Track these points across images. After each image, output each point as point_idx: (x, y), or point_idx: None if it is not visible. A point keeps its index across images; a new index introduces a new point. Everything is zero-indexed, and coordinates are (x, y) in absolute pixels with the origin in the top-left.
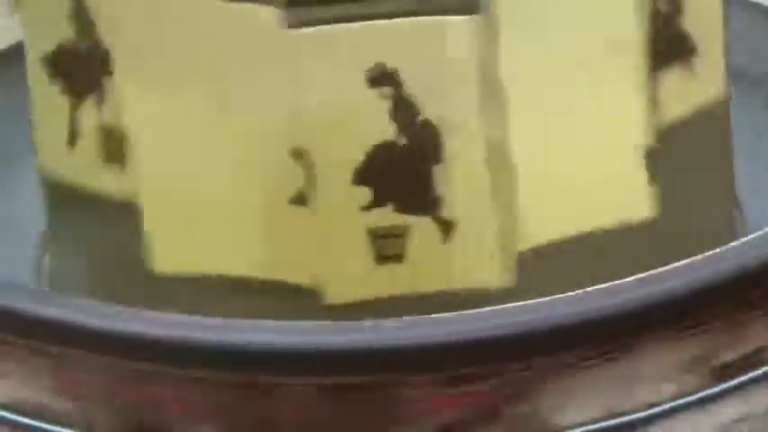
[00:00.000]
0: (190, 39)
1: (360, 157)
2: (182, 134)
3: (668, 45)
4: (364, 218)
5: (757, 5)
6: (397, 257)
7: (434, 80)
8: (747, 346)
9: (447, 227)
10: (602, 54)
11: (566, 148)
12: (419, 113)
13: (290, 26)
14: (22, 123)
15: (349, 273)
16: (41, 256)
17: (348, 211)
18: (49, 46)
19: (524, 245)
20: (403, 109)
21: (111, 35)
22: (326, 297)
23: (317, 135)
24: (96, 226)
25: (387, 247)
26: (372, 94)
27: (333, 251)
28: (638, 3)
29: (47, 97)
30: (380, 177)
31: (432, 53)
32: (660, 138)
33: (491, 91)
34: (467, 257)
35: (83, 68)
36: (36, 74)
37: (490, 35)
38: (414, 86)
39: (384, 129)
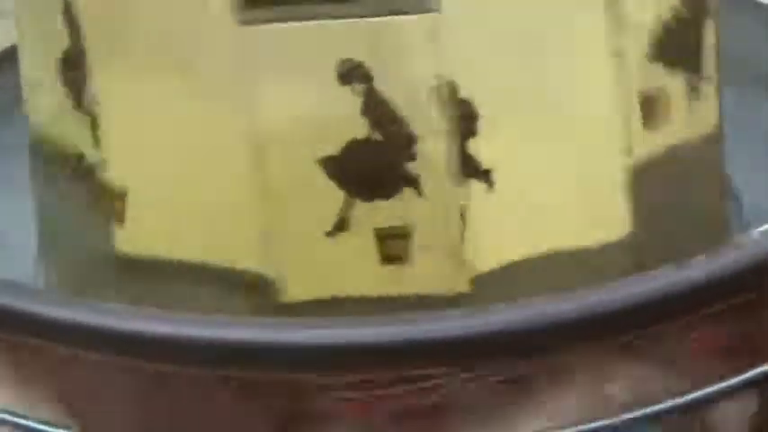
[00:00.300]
0: (156, 27)
1: (329, 152)
2: (147, 119)
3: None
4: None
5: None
6: (399, 258)
7: (397, 83)
8: None
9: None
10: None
11: (542, 165)
12: (391, 110)
13: (243, 23)
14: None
15: (310, 270)
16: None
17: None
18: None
19: (495, 260)
20: (374, 105)
21: (87, 25)
22: (285, 294)
23: (281, 135)
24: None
25: (391, 247)
26: (338, 92)
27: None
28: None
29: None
30: (352, 172)
31: (390, 55)
32: (645, 161)
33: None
34: (429, 261)
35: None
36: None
37: (451, 38)
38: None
39: (355, 126)
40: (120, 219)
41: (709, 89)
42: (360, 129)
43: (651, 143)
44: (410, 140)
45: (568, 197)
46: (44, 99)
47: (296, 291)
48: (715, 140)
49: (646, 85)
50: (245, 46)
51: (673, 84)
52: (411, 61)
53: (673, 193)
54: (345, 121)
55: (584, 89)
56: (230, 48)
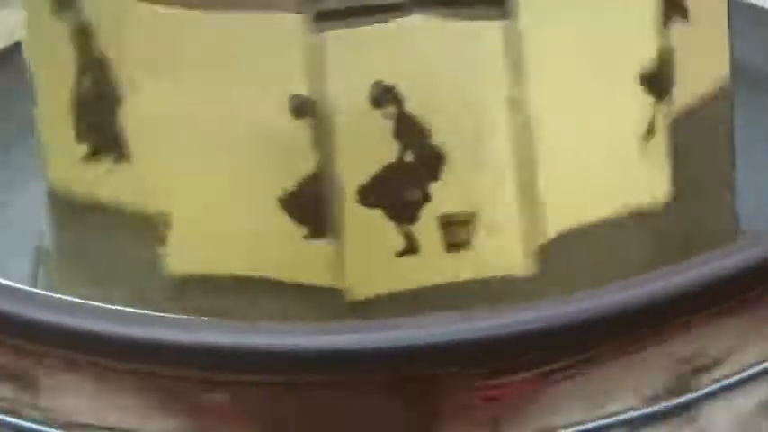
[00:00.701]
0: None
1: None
2: (191, 136)
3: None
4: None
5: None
6: (459, 246)
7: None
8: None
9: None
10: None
11: (583, 137)
12: (424, 132)
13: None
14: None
15: (370, 267)
16: (36, 271)
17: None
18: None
19: (547, 233)
20: (406, 128)
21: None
22: (349, 294)
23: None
24: (107, 237)
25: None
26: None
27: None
28: None
29: (54, 108)
30: (386, 197)
31: (460, 57)
32: (672, 124)
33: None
34: (491, 247)
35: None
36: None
37: (516, 40)
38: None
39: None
40: (168, 241)
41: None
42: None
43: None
44: (439, 161)
45: (616, 162)
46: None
47: (362, 289)
48: (728, 96)
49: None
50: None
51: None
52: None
53: (699, 152)
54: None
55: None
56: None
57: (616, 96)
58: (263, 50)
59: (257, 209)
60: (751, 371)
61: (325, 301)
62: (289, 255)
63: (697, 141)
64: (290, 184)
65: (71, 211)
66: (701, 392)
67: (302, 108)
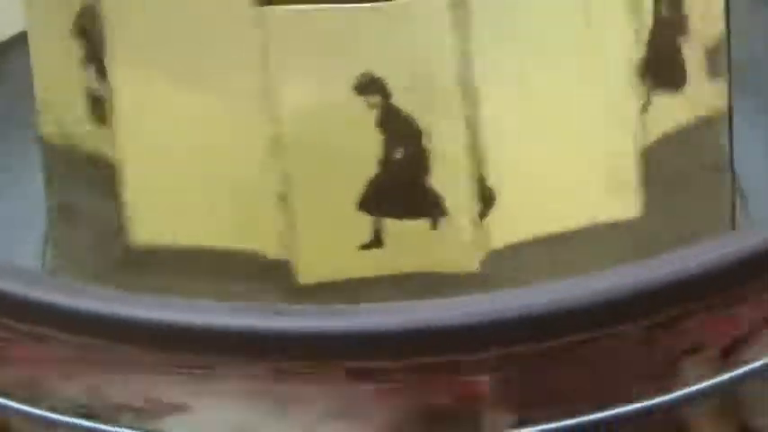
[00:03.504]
0: (170, 17)
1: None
2: (163, 109)
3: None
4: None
5: None
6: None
7: (409, 69)
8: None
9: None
10: (588, 52)
11: (548, 146)
12: (410, 123)
13: (260, 3)
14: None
15: (326, 253)
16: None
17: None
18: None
19: (506, 239)
20: (392, 118)
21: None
22: (300, 276)
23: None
24: (91, 192)
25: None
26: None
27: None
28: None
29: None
30: (379, 202)
31: (406, 40)
32: (653, 144)
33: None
34: (447, 243)
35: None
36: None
37: (462, 25)
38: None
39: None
40: (137, 207)
41: (719, 69)
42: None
43: (662, 121)
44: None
45: (579, 177)
46: (58, 97)
47: (311, 274)
48: (723, 123)
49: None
50: (266, 32)
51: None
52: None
53: (681, 173)
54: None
55: (595, 74)
56: (249, 35)
57: (582, 116)
58: (213, 39)
59: (214, 181)
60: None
61: (271, 284)
62: (242, 225)
63: (683, 164)
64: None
65: (57, 163)
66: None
67: (367, 87)
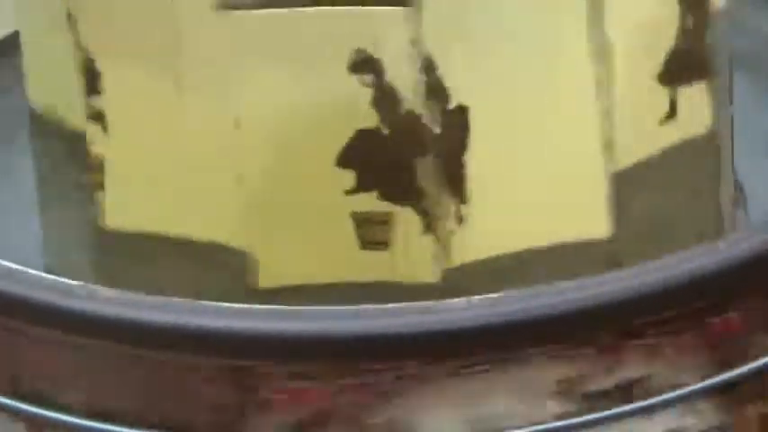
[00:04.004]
0: (139, 15)
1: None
2: (134, 99)
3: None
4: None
5: None
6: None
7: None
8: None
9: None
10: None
11: (518, 163)
12: (401, 102)
13: (222, 7)
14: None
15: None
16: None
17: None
18: None
19: (471, 255)
20: (385, 98)
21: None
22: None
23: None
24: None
25: (371, 233)
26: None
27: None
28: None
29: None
30: (364, 163)
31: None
32: (630, 165)
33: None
34: (405, 251)
35: None
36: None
37: (433, 37)
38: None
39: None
40: (104, 193)
41: (701, 91)
42: (354, 117)
43: (635, 146)
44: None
45: (547, 197)
46: (46, 72)
47: (271, 276)
48: (709, 143)
49: (628, 88)
50: (226, 32)
51: (657, 86)
52: (396, 57)
53: (658, 197)
54: (344, 109)
55: (566, 90)
56: (210, 34)
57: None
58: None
59: (198, 172)
60: (657, 398)
61: (235, 280)
62: (209, 217)
63: (665, 183)
64: None
65: (43, 139)
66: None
67: (361, 64)
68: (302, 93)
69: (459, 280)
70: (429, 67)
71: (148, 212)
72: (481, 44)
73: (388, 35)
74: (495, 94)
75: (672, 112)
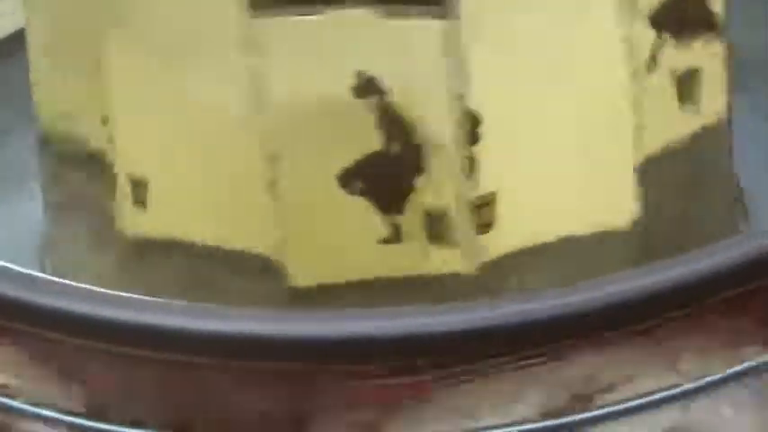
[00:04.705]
0: (169, 20)
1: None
2: (161, 108)
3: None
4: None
5: None
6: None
7: (405, 83)
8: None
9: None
10: (586, 61)
11: (544, 155)
12: (406, 123)
13: (254, 13)
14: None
15: (319, 256)
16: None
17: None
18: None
19: (502, 249)
20: (389, 119)
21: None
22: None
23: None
24: (88, 187)
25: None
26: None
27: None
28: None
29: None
30: (368, 184)
31: (400, 55)
32: (657, 151)
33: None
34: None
35: None
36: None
37: (460, 44)
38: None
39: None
40: (136, 202)
41: (715, 81)
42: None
43: (662, 133)
44: (422, 152)
45: (576, 185)
46: (55, 95)
47: (304, 276)
48: (723, 133)
49: (657, 77)
50: (256, 37)
51: (682, 74)
52: (423, 66)
53: (681, 183)
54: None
55: (594, 79)
56: (241, 38)
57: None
58: (204, 32)
59: (227, 179)
60: (647, 399)
61: (264, 285)
62: (235, 223)
63: (685, 173)
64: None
65: (54, 161)
66: (588, 415)
67: (365, 88)
68: (328, 95)
69: (494, 273)
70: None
71: (173, 219)
72: (501, 36)
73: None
74: (524, 86)
75: (689, 97)
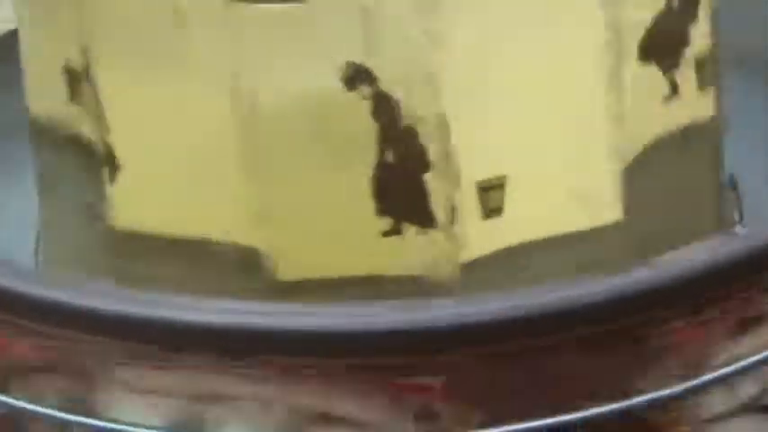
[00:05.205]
0: (144, 12)
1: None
2: (142, 99)
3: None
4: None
5: None
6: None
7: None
8: None
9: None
10: (568, 55)
11: (532, 149)
12: (401, 111)
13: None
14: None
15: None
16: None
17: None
18: None
19: (485, 248)
20: (384, 107)
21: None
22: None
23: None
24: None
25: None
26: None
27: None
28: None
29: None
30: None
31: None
32: (643, 147)
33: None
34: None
35: None
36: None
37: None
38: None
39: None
40: (116, 195)
41: (703, 76)
42: (356, 112)
43: (645, 129)
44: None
45: (560, 183)
46: (44, 83)
47: (290, 270)
48: (711, 129)
49: (638, 70)
50: (235, 24)
51: (660, 73)
52: (404, 49)
53: (667, 180)
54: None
55: (575, 73)
56: (219, 26)
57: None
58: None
59: (209, 168)
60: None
61: (249, 279)
62: (221, 216)
63: (672, 169)
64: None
65: (44, 147)
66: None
67: (356, 76)
68: (314, 87)
69: (476, 272)
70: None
71: (159, 213)
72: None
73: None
74: (504, 80)
75: (673, 92)
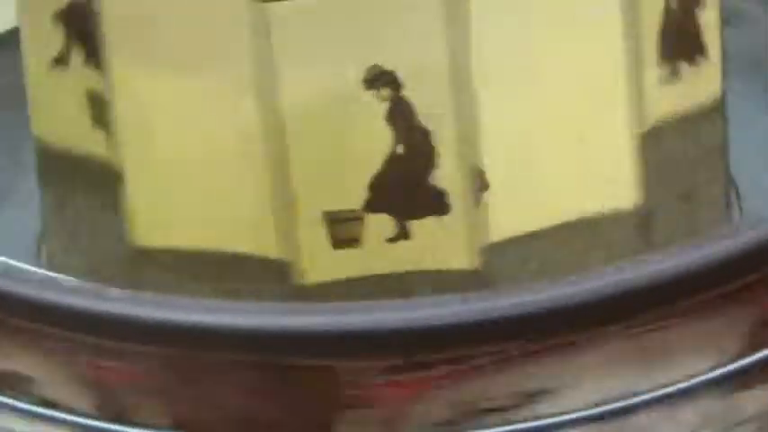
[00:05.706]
0: (171, 18)
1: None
2: (164, 111)
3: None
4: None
5: None
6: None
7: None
8: None
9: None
10: (585, 40)
11: (544, 138)
12: (416, 116)
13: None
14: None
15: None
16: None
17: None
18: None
19: (503, 234)
20: (401, 112)
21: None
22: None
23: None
24: (87, 193)
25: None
26: (353, 87)
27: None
28: None
29: (41, 62)
30: (384, 189)
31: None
32: (652, 130)
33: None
34: (447, 241)
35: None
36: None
37: (463, 20)
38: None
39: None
40: (137, 212)
41: (712, 62)
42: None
43: (659, 111)
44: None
45: (576, 168)
46: (51, 107)
47: (313, 273)
48: (718, 112)
49: (653, 56)
50: (263, 29)
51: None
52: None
53: (679, 163)
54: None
55: (593, 60)
56: (248, 34)
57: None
58: (211, 33)
59: (232, 180)
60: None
61: (271, 285)
62: (241, 227)
63: (684, 150)
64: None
65: (53, 172)
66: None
67: (377, 79)
68: (335, 87)
69: (491, 262)
70: None
71: (178, 228)
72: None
73: None
74: (516, 65)
75: (675, 76)
